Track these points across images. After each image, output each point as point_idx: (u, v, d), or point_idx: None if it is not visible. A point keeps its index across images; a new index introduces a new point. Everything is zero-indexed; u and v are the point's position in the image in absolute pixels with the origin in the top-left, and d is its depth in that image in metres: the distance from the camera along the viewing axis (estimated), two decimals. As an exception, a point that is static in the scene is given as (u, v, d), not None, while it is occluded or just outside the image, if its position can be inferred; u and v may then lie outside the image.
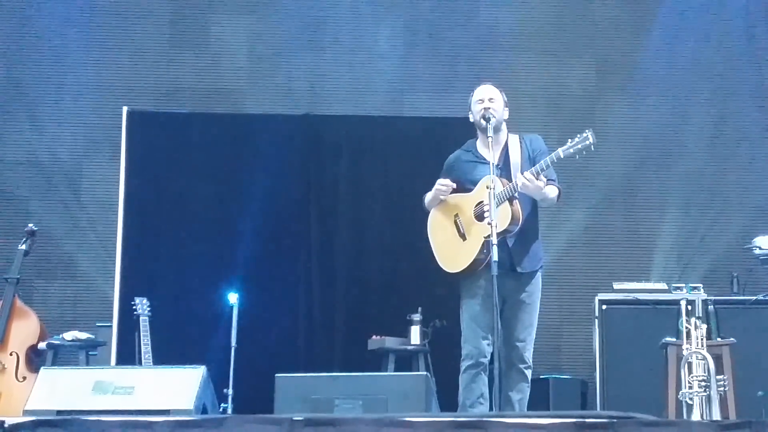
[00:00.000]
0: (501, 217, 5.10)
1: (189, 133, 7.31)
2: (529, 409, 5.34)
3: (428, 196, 5.49)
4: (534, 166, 5.20)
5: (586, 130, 5.13)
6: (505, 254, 5.11)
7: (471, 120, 5.45)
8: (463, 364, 5.29)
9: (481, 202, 5.21)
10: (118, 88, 7.76)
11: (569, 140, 5.16)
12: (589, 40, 8.02)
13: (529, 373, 5.31)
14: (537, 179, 5.15)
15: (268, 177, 7.16)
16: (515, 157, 5.32)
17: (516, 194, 5.19)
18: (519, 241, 5.26)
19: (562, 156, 5.15)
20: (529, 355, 5.30)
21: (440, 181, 5.39)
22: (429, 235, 5.48)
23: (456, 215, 5.36)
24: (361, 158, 7.33)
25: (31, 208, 7.51)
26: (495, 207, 5.02)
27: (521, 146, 5.37)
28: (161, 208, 7.18)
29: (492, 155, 5.19)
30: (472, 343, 5.26)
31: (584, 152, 5.13)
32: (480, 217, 5.22)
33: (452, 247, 5.34)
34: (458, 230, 5.33)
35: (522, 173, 5.19)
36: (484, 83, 5.52)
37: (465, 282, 5.32)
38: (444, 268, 5.37)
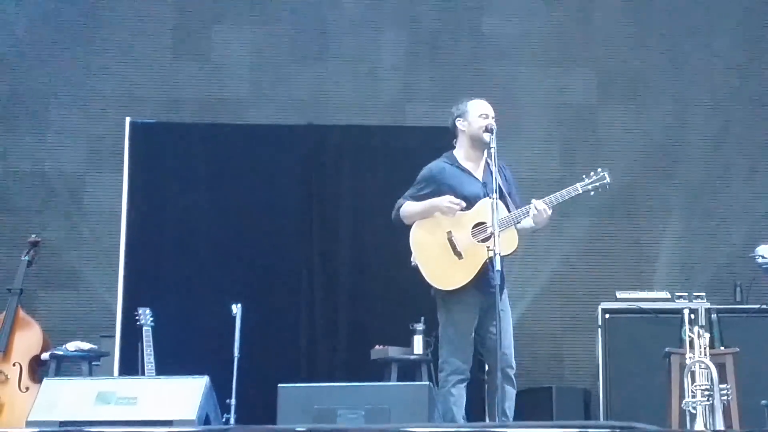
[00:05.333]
0: (509, 242, 5.27)
1: (192, 143, 7.32)
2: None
3: (414, 207, 5.49)
4: (509, 189, 5.39)
5: (603, 170, 5.39)
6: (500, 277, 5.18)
7: (462, 130, 5.55)
8: (452, 378, 5.32)
9: (483, 223, 5.28)
10: (121, 98, 7.78)
11: (585, 177, 5.40)
12: (591, 51, 8.02)
13: (514, 377, 5.37)
14: (549, 209, 5.32)
15: (270, 186, 7.19)
16: (496, 174, 5.29)
17: (522, 219, 5.35)
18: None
19: (581, 191, 5.41)
20: (513, 360, 5.37)
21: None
22: (414, 249, 5.45)
23: (449, 232, 5.36)
24: (363, 168, 7.33)
25: (35, 219, 7.51)
26: (499, 232, 5.08)
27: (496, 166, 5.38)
28: (164, 219, 7.19)
29: (477, 169, 5.41)
30: (461, 358, 5.34)
31: (600, 189, 5.40)
32: (485, 239, 5.26)
33: (445, 265, 5.34)
34: (453, 248, 5.34)
35: (532, 201, 5.33)
36: (480, 98, 5.61)
37: (450, 297, 5.36)
38: (434, 284, 5.37)
